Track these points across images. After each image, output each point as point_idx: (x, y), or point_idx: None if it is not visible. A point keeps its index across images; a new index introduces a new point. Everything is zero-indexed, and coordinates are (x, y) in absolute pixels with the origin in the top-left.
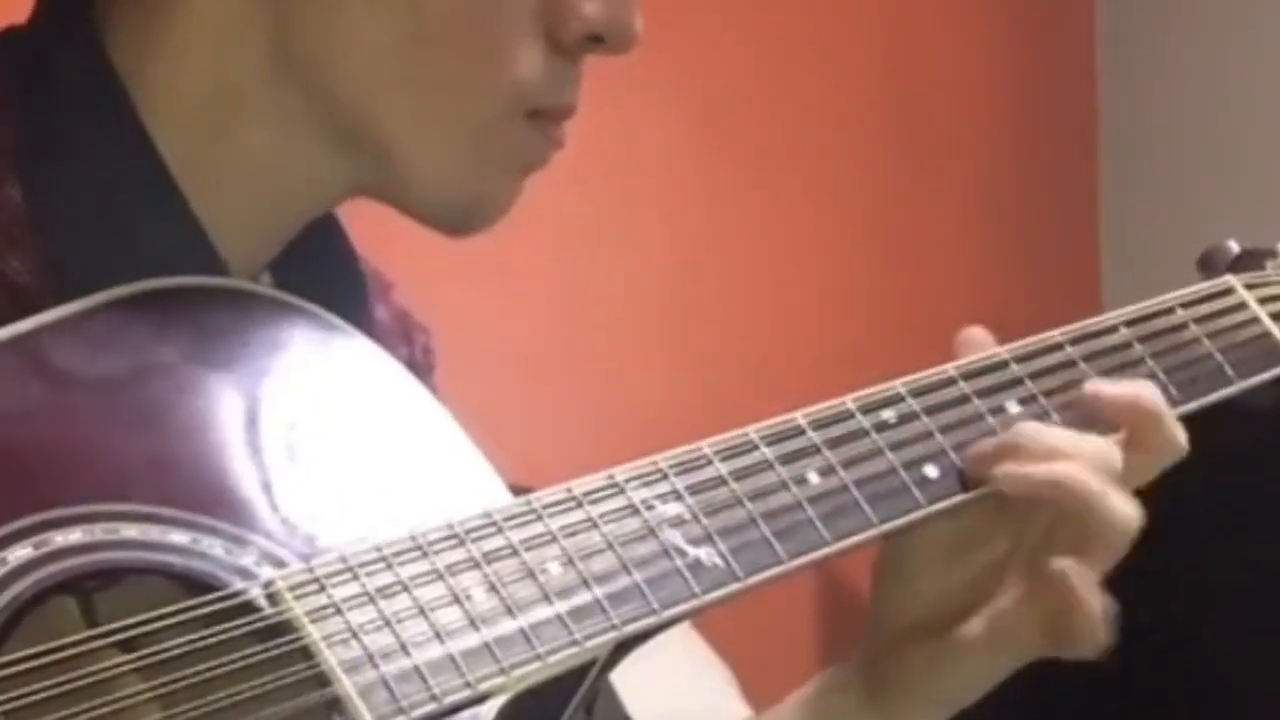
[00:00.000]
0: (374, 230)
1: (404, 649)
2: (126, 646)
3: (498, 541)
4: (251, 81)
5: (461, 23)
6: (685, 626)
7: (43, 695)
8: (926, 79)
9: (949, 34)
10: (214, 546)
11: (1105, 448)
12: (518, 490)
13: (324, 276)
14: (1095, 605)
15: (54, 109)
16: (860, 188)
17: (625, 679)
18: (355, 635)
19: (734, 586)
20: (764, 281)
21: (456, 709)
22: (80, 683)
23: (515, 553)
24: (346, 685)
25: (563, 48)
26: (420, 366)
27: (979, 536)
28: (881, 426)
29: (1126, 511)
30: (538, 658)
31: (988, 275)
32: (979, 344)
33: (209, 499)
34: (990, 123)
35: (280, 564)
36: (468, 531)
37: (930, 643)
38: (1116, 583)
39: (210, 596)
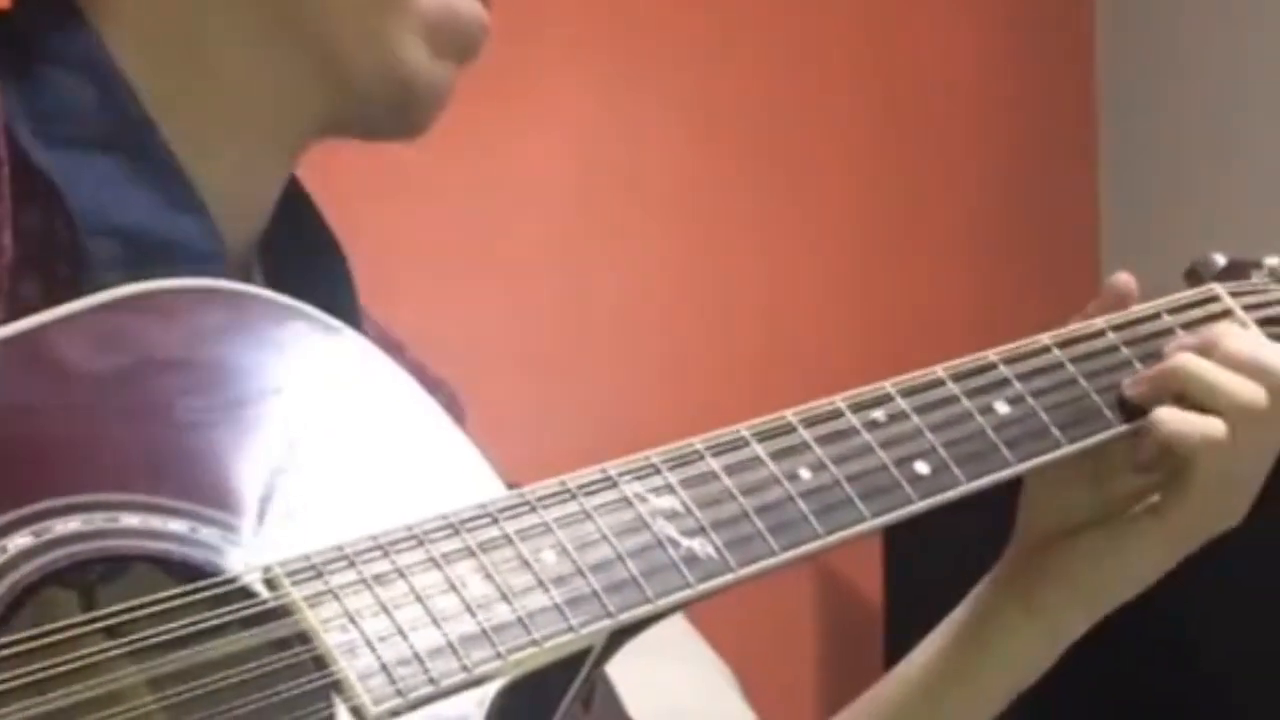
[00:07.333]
0: (378, 236)
1: (401, 634)
2: (120, 634)
3: (493, 532)
4: None
5: None
6: (686, 626)
7: (33, 678)
8: (924, 81)
9: (947, 35)
10: (213, 536)
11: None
12: (515, 489)
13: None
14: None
15: (48, 90)
16: (858, 189)
17: (626, 678)
18: (352, 620)
19: (727, 577)
20: (762, 282)
21: (453, 692)
22: (71, 666)
23: (510, 542)
24: (344, 668)
25: None
26: None
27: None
28: (872, 425)
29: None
30: (534, 643)
31: (986, 277)
32: (1124, 289)
33: (208, 490)
34: (988, 124)
35: (277, 554)
36: (463, 522)
37: (1091, 532)
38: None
39: (207, 582)
